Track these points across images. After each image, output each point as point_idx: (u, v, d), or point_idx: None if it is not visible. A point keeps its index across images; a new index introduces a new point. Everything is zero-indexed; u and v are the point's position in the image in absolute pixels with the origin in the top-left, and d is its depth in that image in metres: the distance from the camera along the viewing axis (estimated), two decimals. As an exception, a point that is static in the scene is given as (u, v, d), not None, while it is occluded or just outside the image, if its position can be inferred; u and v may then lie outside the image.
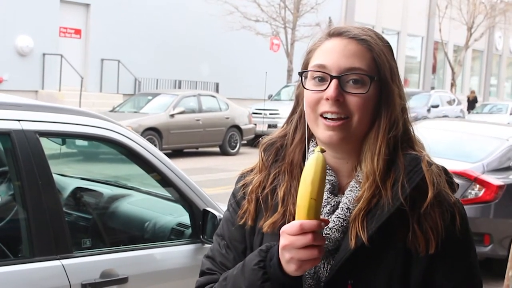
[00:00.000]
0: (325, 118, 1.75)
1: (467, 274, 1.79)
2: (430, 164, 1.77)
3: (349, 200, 1.77)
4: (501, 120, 26.42)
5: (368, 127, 1.78)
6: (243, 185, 1.92)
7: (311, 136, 1.85)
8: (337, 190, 1.82)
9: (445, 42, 41.81)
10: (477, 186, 8.14)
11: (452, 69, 39.97)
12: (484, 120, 24.17)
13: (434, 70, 48.15)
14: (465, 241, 1.80)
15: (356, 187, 1.77)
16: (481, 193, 8.12)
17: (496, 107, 33.80)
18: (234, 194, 1.95)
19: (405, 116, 1.81)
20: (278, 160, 1.88)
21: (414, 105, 28.37)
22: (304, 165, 1.79)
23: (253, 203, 1.86)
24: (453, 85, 39.71)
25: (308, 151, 1.83)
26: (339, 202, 1.78)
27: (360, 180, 1.77)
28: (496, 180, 8.24)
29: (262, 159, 1.90)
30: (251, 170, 1.94)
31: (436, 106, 28.72)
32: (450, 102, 30.45)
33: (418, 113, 26.49)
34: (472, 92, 43.45)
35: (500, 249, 8.21)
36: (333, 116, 1.74)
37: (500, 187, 8.16)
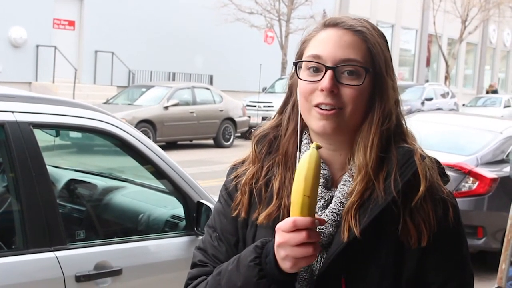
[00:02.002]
0: (319, 108, 1.74)
1: (459, 266, 1.80)
2: (423, 157, 1.77)
3: (342, 195, 1.76)
4: (495, 113, 26.45)
5: (361, 118, 1.77)
6: (235, 176, 1.91)
7: (304, 127, 1.84)
8: (331, 183, 1.81)
9: (439, 35, 41.82)
10: (471, 179, 8.16)
11: (446, 62, 39.99)
12: (477, 113, 24.20)
13: (428, 63, 48.16)
14: (457, 233, 1.80)
15: (349, 181, 1.77)
16: (474, 186, 8.14)
17: (490, 100, 33.83)
18: (225, 186, 1.94)
19: (398, 109, 1.80)
20: (271, 152, 1.86)
21: (408, 98, 28.37)
22: (298, 156, 1.79)
23: (247, 195, 1.85)
24: (447, 78, 39.75)
25: (301, 143, 1.83)
26: (332, 197, 1.78)
27: (353, 174, 1.76)
28: (489, 173, 8.26)
29: (255, 151, 1.88)
30: (243, 162, 1.93)
31: (430, 99, 28.72)
32: (444, 95, 30.44)
33: (412, 106, 26.47)
34: (491, 86, 43.56)
35: (493, 242, 8.22)
36: (327, 107, 1.73)
37: (493, 180, 8.18)
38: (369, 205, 1.71)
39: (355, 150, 1.77)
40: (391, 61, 1.82)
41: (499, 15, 41.72)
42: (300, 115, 1.81)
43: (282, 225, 1.61)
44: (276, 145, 1.86)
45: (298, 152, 1.81)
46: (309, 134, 1.85)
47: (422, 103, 27.93)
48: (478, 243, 8.15)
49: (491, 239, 8.23)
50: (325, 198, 1.78)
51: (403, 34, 44.93)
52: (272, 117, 1.94)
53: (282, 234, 1.60)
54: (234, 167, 1.95)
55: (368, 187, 1.73)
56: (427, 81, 42.29)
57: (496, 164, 8.54)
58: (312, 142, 1.81)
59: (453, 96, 31.39)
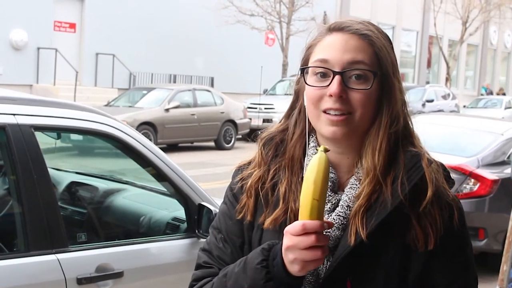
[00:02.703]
0: (328, 113, 1.74)
1: (463, 268, 1.80)
2: (430, 162, 1.77)
3: (349, 198, 1.76)
4: (496, 115, 26.43)
5: (370, 122, 1.77)
6: (240, 178, 1.90)
7: (311, 131, 1.84)
8: (337, 187, 1.81)
9: (440, 36, 41.81)
10: (472, 180, 8.15)
11: (447, 64, 39.98)
12: (478, 114, 24.18)
13: (429, 64, 48.15)
14: (462, 236, 1.81)
15: (356, 184, 1.77)
16: (476, 188, 8.13)
17: (491, 101, 33.81)
18: (231, 187, 1.93)
19: (405, 111, 1.81)
20: (278, 155, 1.86)
21: (409, 100, 28.24)
22: (304, 160, 1.79)
23: (253, 198, 1.85)
24: (448, 79, 39.73)
25: (308, 146, 1.83)
26: (339, 200, 1.78)
27: (360, 177, 1.77)
28: (491, 174, 8.25)
29: (261, 154, 1.88)
30: (248, 164, 1.93)
31: (431, 101, 28.70)
32: (445, 97, 30.41)
33: (413, 107, 26.27)
34: (501, 89, 43.70)
35: (494, 244, 8.22)
36: (336, 113, 1.73)
37: (494, 181, 8.18)
38: (376, 208, 1.71)
39: (363, 153, 1.78)
40: (397, 63, 1.83)
41: (499, 16, 41.72)
42: (308, 120, 1.81)
43: (291, 229, 1.61)
44: (283, 149, 1.86)
45: (306, 157, 1.81)
46: (316, 137, 1.85)
47: (423, 105, 27.92)
48: (480, 245, 8.15)
49: (492, 241, 8.23)
50: (332, 202, 1.78)
51: (403, 36, 44.93)
52: (279, 121, 1.93)
53: (291, 237, 1.60)
54: (239, 169, 1.95)
55: (375, 190, 1.73)
56: (428, 82, 42.30)
57: (497, 166, 8.53)
58: (319, 145, 1.81)
59: (454, 97, 31.37)
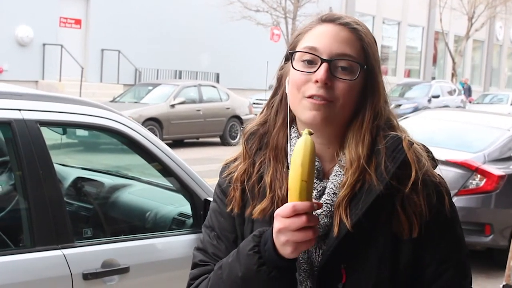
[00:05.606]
0: (310, 99, 1.76)
1: (455, 247, 1.82)
2: (411, 143, 1.80)
3: (334, 185, 1.78)
4: (502, 110, 26.38)
5: (350, 114, 1.79)
6: (227, 174, 1.93)
7: (292, 121, 1.86)
8: (322, 175, 1.83)
9: (446, 32, 41.69)
10: (478, 176, 8.13)
11: (453, 59, 39.86)
12: (484, 110, 24.13)
13: (434, 60, 48.08)
14: (451, 217, 1.82)
15: (341, 172, 1.79)
16: (482, 183, 8.11)
17: (497, 97, 33.76)
18: (219, 184, 1.96)
19: (387, 108, 1.84)
20: (261, 148, 1.88)
21: (415, 95, 28.36)
22: (288, 148, 1.80)
23: (239, 191, 1.87)
24: (453, 75, 39.64)
25: (290, 137, 1.84)
26: (324, 188, 1.80)
27: (344, 165, 1.78)
28: (497, 170, 8.23)
29: (245, 148, 1.90)
30: (234, 160, 1.95)
31: (437, 96, 28.67)
32: (450, 92, 30.38)
33: (418, 103, 26.46)
34: None
35: (501, 239, 8.21)
36: (319, 99, 1.75)
37: (501, 177, 8.15)
38: (361, 196, 1.73)
39: (346, 145, 1.80)
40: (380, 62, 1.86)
41: (505, 12, 41.58)
42: (289, 109, 1.83)
43: (281, 211, 1.62)
44: (266, 141, 1.88)
45: (288, 145, 1.82)
46: (297, 128, 1.87)
47: (429, 101, 27.90)
48: (486, 241, 8.13)
49: (499, 236, 8.21)
50: (317, 189, 1.80)
51: (409, 32, 44.87)
52: (260, 112, 1.96)
53: (282, 219, 1.61)
54: (226, 165, 1.97)
55: (359, 179, 1.75)
56: (433, 78, 42.23)
57: (504, 161, 8.51)
58: (300, 135, 1.82)
59: (460, 93, 31.34)
